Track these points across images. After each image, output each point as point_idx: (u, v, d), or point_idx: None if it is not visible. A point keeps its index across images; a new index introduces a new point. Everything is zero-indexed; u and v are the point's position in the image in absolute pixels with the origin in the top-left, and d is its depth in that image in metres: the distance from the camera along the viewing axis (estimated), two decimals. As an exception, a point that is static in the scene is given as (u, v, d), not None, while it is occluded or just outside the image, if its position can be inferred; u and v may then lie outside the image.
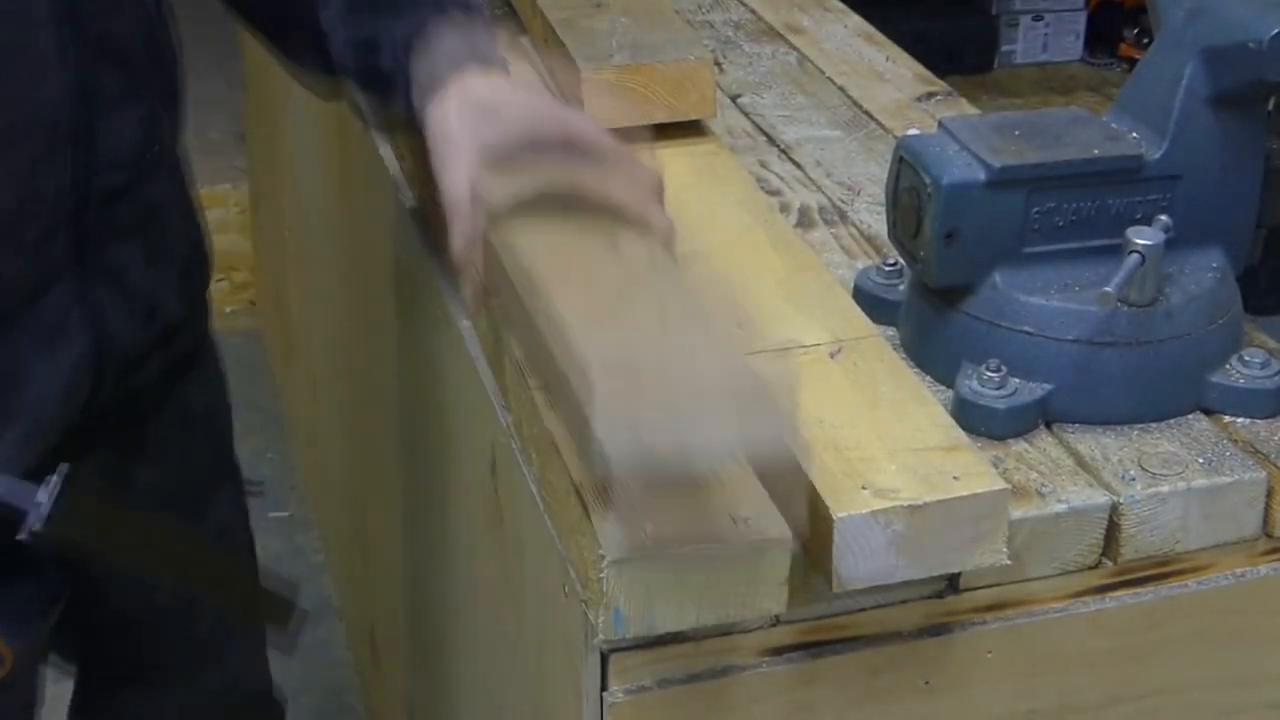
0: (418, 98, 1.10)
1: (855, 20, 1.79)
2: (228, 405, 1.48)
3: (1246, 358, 1.10)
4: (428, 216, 1.36)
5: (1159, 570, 1.04)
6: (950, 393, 1.08)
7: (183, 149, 1.30)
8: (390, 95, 1.15)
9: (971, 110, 1.53)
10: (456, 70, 1.10)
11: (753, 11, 1.75)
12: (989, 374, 1.06)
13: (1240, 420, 1.09)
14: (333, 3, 1.17)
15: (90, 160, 1.16)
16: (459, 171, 1.06)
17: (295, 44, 1.24)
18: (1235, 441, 1.06)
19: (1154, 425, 1.08)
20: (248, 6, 1.29)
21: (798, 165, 1.45)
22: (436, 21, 1.12)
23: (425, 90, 1.10)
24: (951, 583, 1.01)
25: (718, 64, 1.40)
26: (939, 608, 1.01)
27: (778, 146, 1.49)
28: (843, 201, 1.38)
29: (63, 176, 1.14)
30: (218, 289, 2.59)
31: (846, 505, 0.92)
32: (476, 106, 1.08)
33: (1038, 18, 3.34)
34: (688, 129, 1.37)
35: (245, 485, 1.51)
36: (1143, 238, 1.05)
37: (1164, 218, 1.07)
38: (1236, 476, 1.03)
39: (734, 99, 1.56)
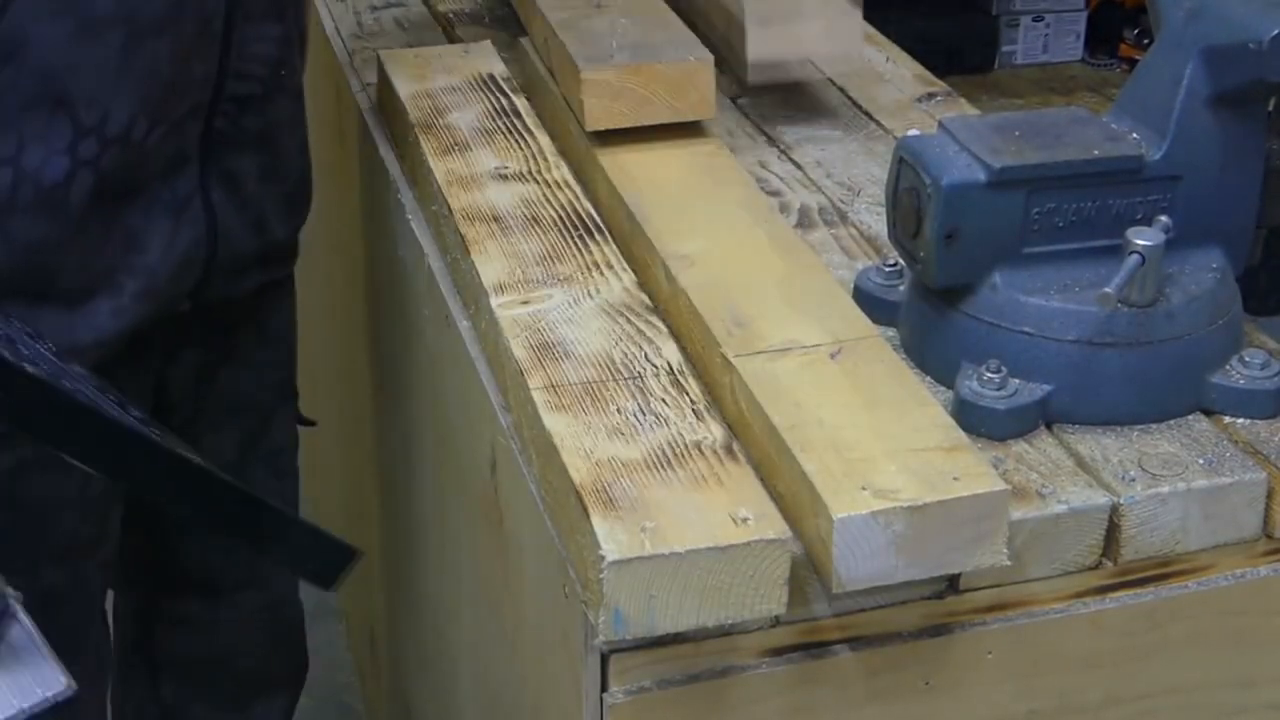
0: None
1: (855, 20, 1.78)
2: (295, 336, 1.59)
3: (1247, 358, 1.10)
4: (442, 244, 1.36)
5: (1159, 571, 1.04)
6: (950, 393, 1.08)
7: (303, 85, 1.42)
8: None
9: (972, 111, 1.53)
10: None
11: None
12: (989, 374, 1.06)
13: (1240, 421, 1.09)
14: None
15: (230, 63, 1.28)
16: None
17: None
18: (1235, 442, 1.06)
19: (1154, 426, 1.08)
20: None
21: (798, 166, 1.45)
22: None
23: None
24: (952, 583, 1.01)
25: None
26: (939, 608, 1.01)
27: (778, 147, 1.49)
28: (843, 202, 1.38)
29: (210, 67, 1.27)
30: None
31: (847, 506, 0.92)
32: None
33: (1038, 18, 3.34)
34: (688, 129, 1.37)
35: (301, 417, 1.62)
36: (1143, 238, 1.05)
37: (1164, 218, 1.07)
38: (1237, 477, 1.03)
39: (734, 100, 1.56)
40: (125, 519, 1.44)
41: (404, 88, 1.47)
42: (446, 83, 1.48)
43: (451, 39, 1.71)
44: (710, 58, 1.36)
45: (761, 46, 1.51)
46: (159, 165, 1.27)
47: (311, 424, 1.63)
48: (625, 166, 1.29)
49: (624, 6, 1.45)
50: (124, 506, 1.42)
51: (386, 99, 1.51)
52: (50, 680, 0.86)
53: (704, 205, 1.26)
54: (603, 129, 1.34)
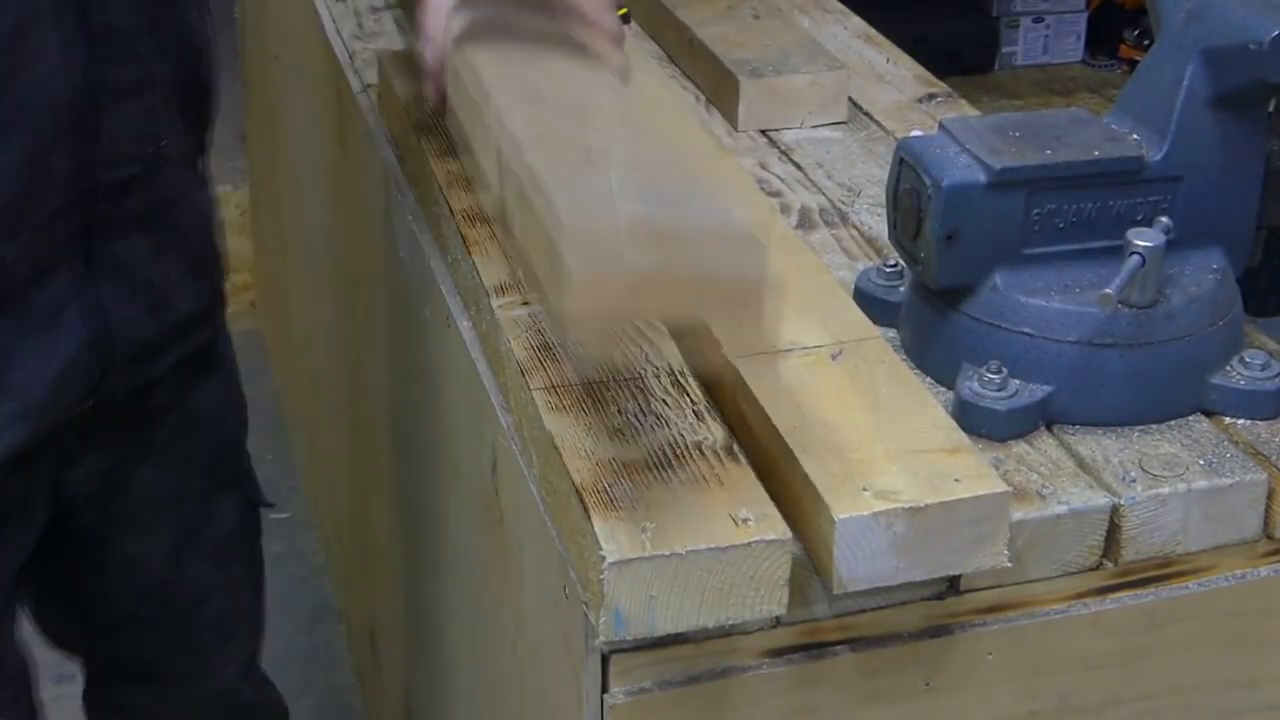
0: None
1: (856, 22, 1.79)
2: (240, 413, 1.47)
3: (1247, 359, 1.10)
4: (443, 244, 1.36)
5: (1160, 572, 1.04)
6: (951, 394, 1.08)
7: (210, 139, 1.33)
8: None
9: (972, 111, 1.53)
10: None
11: (754, 14, 1.75)
12: (989, 375, 1.06)
13: (1241, 422, 1.09)
14: None
15: (94, 151, 1.16)
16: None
17: None
18: (1236, 443, 1.06)
19: (1155, 427, 1.08)
20: None
21: (798, 166, 1.45)
22: None
23: None
24: (952, 584, 1.01)
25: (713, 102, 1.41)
26: (940, 609, 1.01)
27: (778, 148, 1.49)
28: (843, 203, 1.38)
29: (66, 166, 1.14)
30: (218, 290, 2.58)
31: (848, 507, 0.92)
32: None
33: (1038, 19, 3.35)
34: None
35: (256, 498, 1.49)
36: (1143, 239, 1.05)
37: (1164, 219, 1.07)
38: (1237, 478, 1.03)
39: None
40: (48, 601, 1.39)
41: (404, 89, 1.47)
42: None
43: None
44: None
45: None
46: (21, 277, 1.15)
47: (269, 505, 1.52)
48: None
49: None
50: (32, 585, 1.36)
51: (387, 100, 1.51)
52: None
53: (704, 206, 1.26)
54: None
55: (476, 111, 1.08)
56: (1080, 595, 1.03)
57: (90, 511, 1.35)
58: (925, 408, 1.02)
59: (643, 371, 1.07)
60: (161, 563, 1.42)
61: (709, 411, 1.03)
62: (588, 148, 0.96)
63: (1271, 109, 1.12)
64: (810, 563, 0.96)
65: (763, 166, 1.44)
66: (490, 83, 1.07)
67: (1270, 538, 1.05)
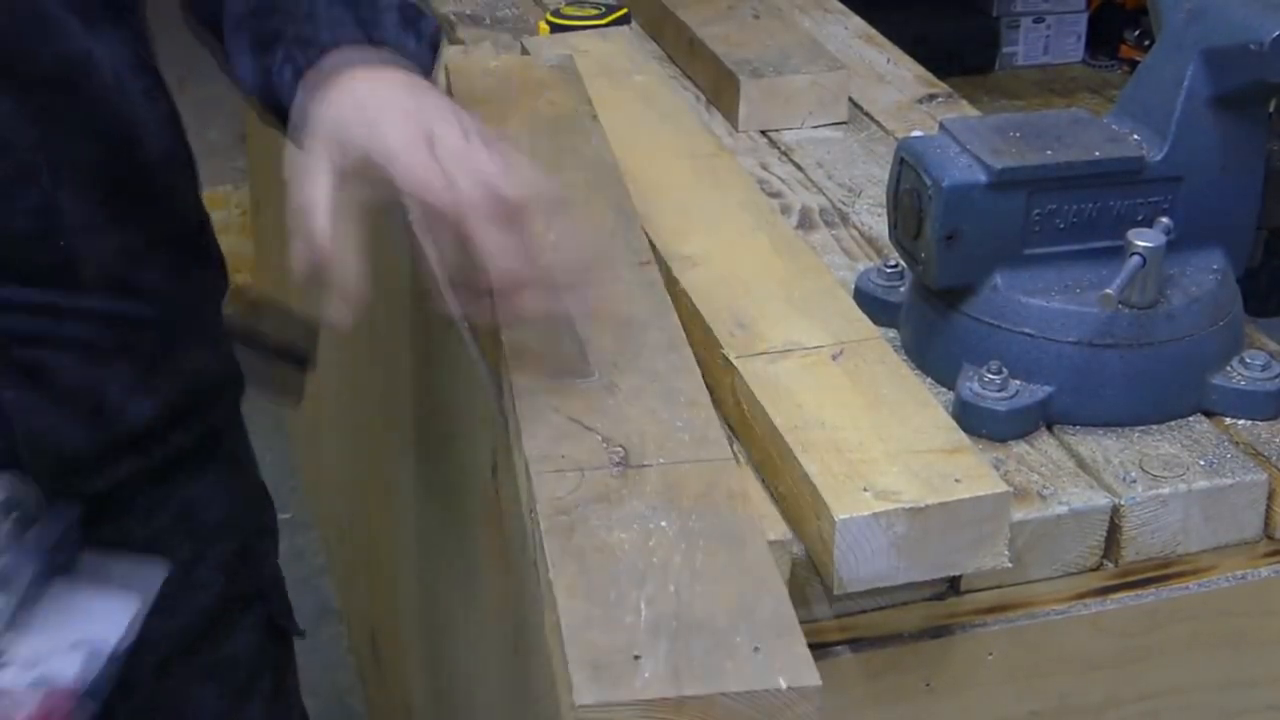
0: (302, 93, 1.00)
1: (856, 22, 1.79)
2: (261, 517, 1.30)
3: (1247, 359, 1.10)
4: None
5: (1160, 572, 1.04)
6: (951, 394, 1.08)
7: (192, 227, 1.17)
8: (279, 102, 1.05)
9: (972, 112, 1.54)
10: (345, 67, 0.99)
11: (754, 14, 1.75)
12: (990, 376, 1.06)
13: (1241, 422, 1.09)
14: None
15: None
16: (313, 184, 0.96)
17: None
18: (1236, 443, 1.06)
19: (1155, 427, 1.08)
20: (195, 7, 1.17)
21: (799, 167, 1.45)
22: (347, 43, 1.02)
23: (310, 86, 0.99)
24: (953, 584, 1.01)
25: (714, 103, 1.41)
26: (940, 609, 1.01)
27: (778, 148, 1.49)
28: (844, 203, 1.38)
29: None
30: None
31: (848, 507, 0.92)
32: (350, 104, 0.97)
33: (1038, 19, 3.35)
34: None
35: (284, 621, 1.33)
36: (1144, 239, 1.05)
37: (1165, 219, 1.07)
38: (1237, 478, 1.03)
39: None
40: None
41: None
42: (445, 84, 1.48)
43: (453, 40, 1.71)
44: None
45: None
46: None
47: (299, 633, 1.33)
48: (626, 167, 1.29)
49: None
50: None
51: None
52: (146, 571, 0.86)
53: (705, 206, 1.26)
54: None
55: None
56: (1080, 595, 1.03)
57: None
58: (926, 408, 1.02)
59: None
60: (149, 670, 1.15)
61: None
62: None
63: (1272, 109, 1.12)
64: (810, 563, 0.96)
65: (763, 166, 1.44)
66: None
67: (1270, 538, 1.05)
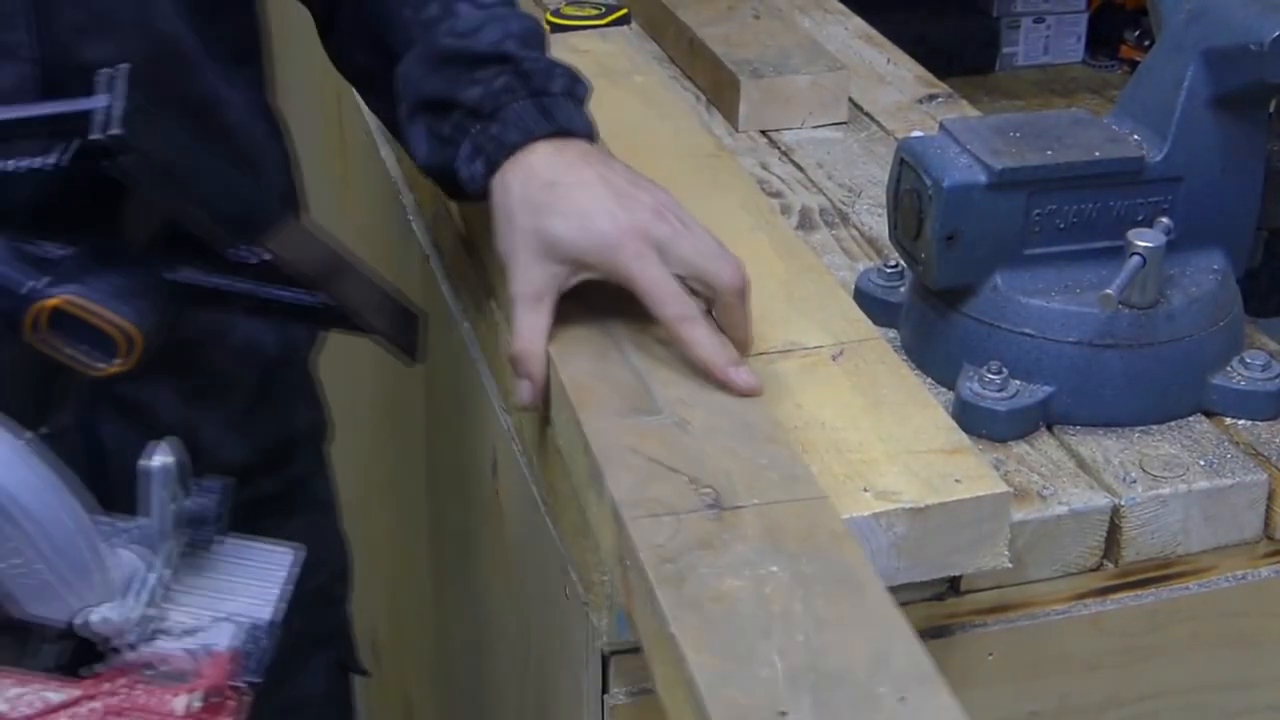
0: (481, 165, 1.04)
1: (856, 22, 1.79)
2: (337, 563, 1.31)
3: (1248, 360, 1.10)
4: (443, 245, 1.36)
5: (1160, 572, 1.04)
6: (951, 395, 1.08)
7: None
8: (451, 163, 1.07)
9: (972, 112, 1.54)
10: (526, 141, 1.03)
11: (754, 14, 1.75)
12: (990, 376, 1.06)
13: (1241, 422, 1.09)
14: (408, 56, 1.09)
15: None
16: (533, 328, 0.99)
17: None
18: (1236, 444, 1.06)
19: (1155, 427, 1.08)
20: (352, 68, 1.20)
21: (799, 167, 1.45)
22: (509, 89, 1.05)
23: (490, 158, 1.03)
24: (953, 585, 1.01)
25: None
26: (940, 610, 1.01)
27: (778, 148, 1.49)
28: (844, 203, 1.38)
29: None
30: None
31: (848, 507, 0.92)
32: (539, 186, 1.01)
33: (1039, 20, 3.35)
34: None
35: (350, 663, 1.34)
36: (1144, 239, 1.05)
37: (1165, 219, 1.07)
38: (1238, 479, 1.03)
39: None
40: None
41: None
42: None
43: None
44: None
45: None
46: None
47: (364, 673, 1.34)
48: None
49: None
50: None
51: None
52: (281, 556, 0.86)
53: (705, 206, 1.26)
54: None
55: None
56: (1081, 596, 1.03)
57: None
58: (926, 408, 1.02)
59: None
60: None
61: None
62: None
63: (1272, 110, 1.12)
64: (811, 563, 0.96)
65: (763, 167, 1.44)
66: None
67: (1271, 538, 1.05)
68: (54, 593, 0.78)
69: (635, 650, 0.96)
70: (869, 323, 1.11)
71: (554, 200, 1.00)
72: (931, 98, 1.59)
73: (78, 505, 0.79)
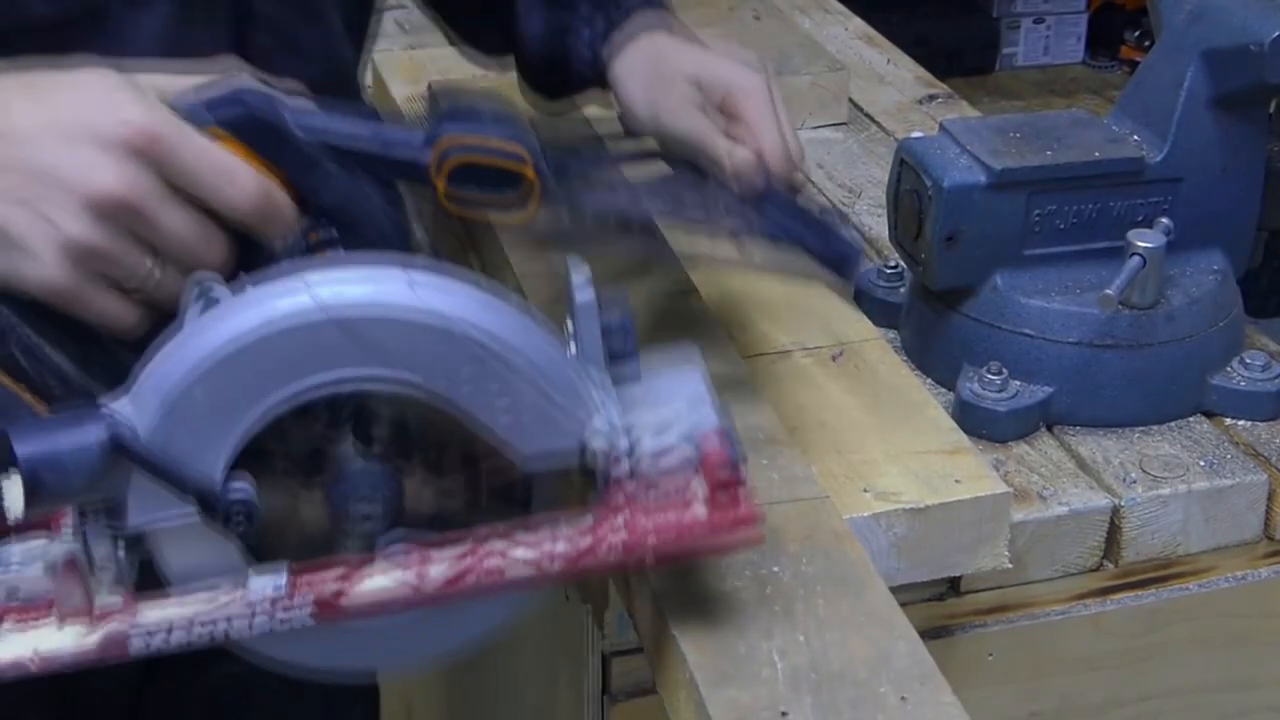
0: (606, 52, 1.11)
1: (856, 23, 1.79)
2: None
3: (1247, 360, 1.10)
4: (442, 249, 1.35)
5: (1160, 573, 1.04)
6: (951, 395, 1.08)
7: None
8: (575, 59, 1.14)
9: (972, 112, 1.54)
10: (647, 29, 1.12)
11: (755, 15, 1.75)
12: (990, 376, 1.06)
13: (1241, 423, 1.09)
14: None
15: None
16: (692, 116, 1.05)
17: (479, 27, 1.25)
18: (1236, 444, 1.06)
19: (1155, 428, 1.08)
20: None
21: (799, 167, 1.45)
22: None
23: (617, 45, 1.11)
24: (953, 585, 1.01)
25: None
26: (940, 610, 1.01)
27: (779, 149, 1.49)
28: (844, 204, 1.38)
29: None
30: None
31: (848, 508, 0.92)
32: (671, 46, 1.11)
33: (1039, 20, 3.35)
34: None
35: None
36: (1144, 240, 1.05)
37: (1165, 220, 1.07)
38: (1237, 479, 1.03)
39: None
40: None
41: (399, 90, 1.47)
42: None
43: (452, 41, 1.71)
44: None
45: None
46: None
47: None
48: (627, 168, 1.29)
49: None
50: None
51: (381, 101, 1.52)
52: (687, 366, 0.84)
53: (705, 207, 1.26)
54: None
55: None
56: (1081, 596, 1.03)
57: None
58: (926, 409, 1.02)
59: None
60: None
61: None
62: None
63: (1272, 111, 1.12)
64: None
65: (763, 167, 1.44)
66: None
67: (1270, 539, 1.05)
68: (555, 417, 0.77)
69: (635, 650, 0.96)
70: (869, 323, 1.11)
71: (676, 54, 1.10)
72: (931, 98, 1.59)
73: (547, 332, 0.78)
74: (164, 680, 1.18)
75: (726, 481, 0.77)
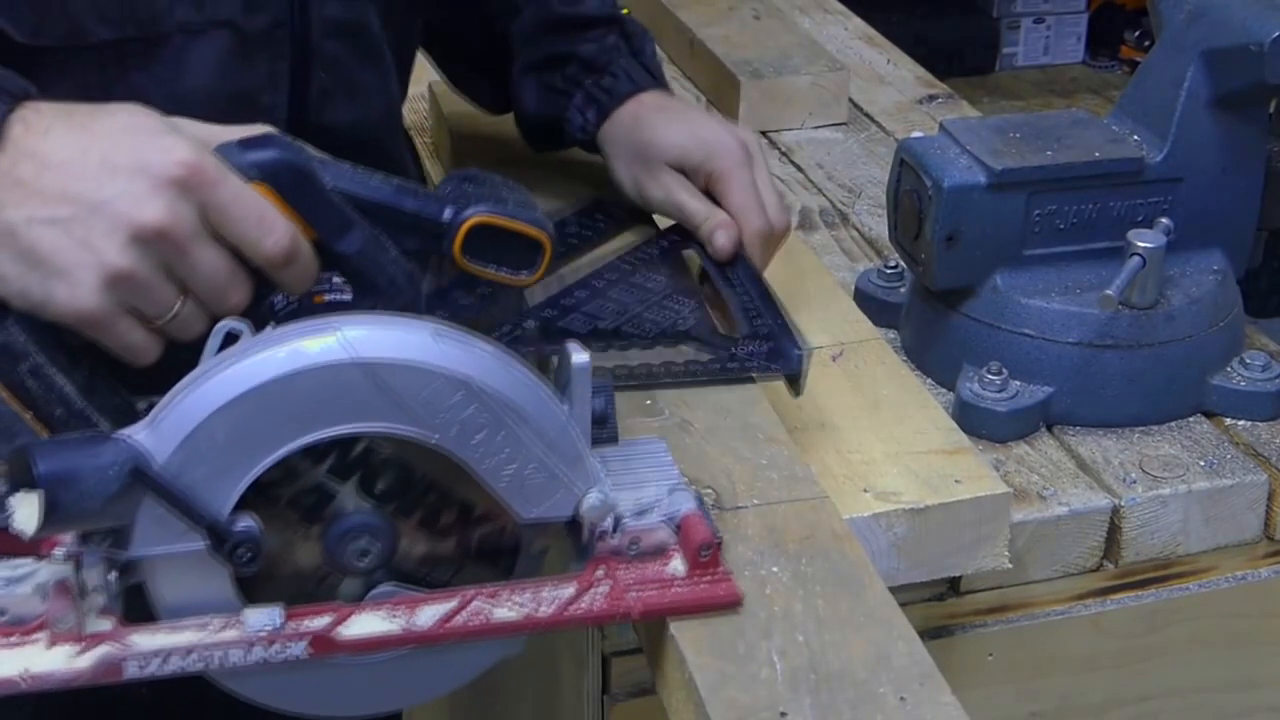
0: (594, 114, 1.18)
1: (856, 23, 1.79)
2: None
3: (1247, 360, 1.10)
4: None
5: (1160, 573, 1.04)
6: (951, 395, 1.08)
7: None
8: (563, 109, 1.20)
9: (972, 113, 1.54)
10: (635, 91, 1.18)
11: (755, 15, 1.75)
12: (990, 376, 1.06)
13: (1241, 423, 1.09)
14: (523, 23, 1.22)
15: None
16: (681, 191, 1.12)
17: (473, 75, 1.30)
18: (1236, 444, 1.06)
19: (1155, 428, 1.08)
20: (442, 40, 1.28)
21: (799, 167, 1.45)
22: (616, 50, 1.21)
23: (603, 106, 1.18)
24: (953, 585, 1.01)
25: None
26: (940, 610, 1.01)
27: (779, 148, 1.49)
28: (844, 204, 1.38)
29: None
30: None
31: (849, 508, 0.92)
32: (651, 110, 1.16)
33: (1039, 20, 3.35)
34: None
35: None
36: (1144, 240, 1.05)
37: (1165, 220, 1.07)
38: (1237, 479, 1.03)
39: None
40: None
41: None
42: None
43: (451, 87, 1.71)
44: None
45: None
46: None
47: None
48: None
49: None
50: None
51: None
52: (654, 443, 0.89)
53: (705, 207, 1.26)
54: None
55: None
56: (1081, 596, 1.03)
57: None
58: (926, 409, 1.02)
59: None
60: None
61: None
62: None
63: (1272, 110, 1.12)
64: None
65: (763, 168, 1.44)
66: None
67: (1270, 539, 1.05)
68: (557, 486, 0.80)
69: (635, 650, 0.96)
70: (869, 323, 1.11)
71: (663, 122, 1.15)
72: (931, 98, 1.59)
73: (557, 399, 0.80)
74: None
75: (706, 543, 0.81)
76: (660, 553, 0.82)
